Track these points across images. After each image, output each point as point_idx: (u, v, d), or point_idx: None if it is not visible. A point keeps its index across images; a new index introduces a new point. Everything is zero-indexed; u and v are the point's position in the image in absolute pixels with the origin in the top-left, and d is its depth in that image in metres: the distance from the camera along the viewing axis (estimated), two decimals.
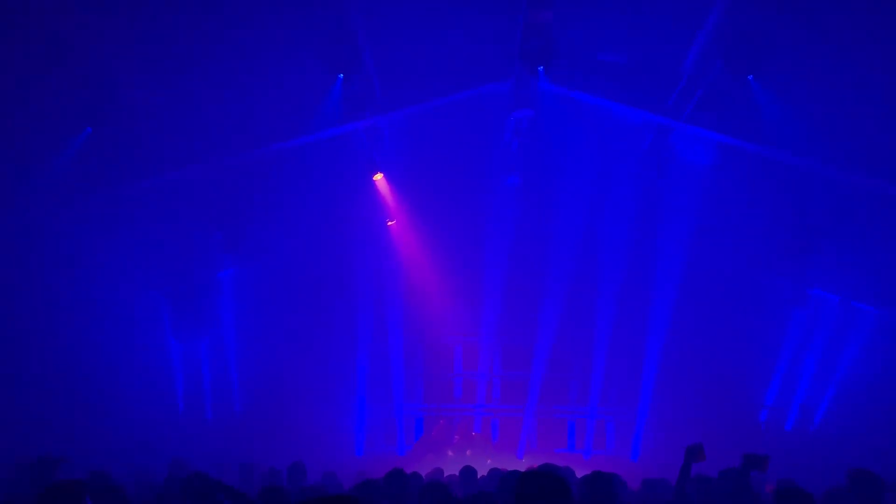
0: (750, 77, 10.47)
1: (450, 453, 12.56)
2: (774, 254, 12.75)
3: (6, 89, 9.57)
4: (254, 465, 8.71)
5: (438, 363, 14.64)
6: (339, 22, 10.02)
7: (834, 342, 12.98)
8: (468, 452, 12.88)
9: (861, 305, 12.90)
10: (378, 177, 12.80)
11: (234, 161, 11.58)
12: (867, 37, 9.30)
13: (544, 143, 12.22)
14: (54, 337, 11.29)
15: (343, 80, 10.80)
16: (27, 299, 10.93)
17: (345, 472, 8.77)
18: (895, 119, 10.15)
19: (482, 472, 7.82)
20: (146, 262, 12.29)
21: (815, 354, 13.12)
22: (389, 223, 13.48)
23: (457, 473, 7.48)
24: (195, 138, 11.03)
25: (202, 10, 9.42)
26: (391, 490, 5.81)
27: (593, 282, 13.21)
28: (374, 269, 13.54)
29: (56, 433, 9.82)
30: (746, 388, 13.25)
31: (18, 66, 9.59)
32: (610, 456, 13.90)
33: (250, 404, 13.48)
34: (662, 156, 11.99)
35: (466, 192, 13.00)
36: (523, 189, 12.98)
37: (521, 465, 11.12)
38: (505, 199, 13.04)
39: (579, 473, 6.87)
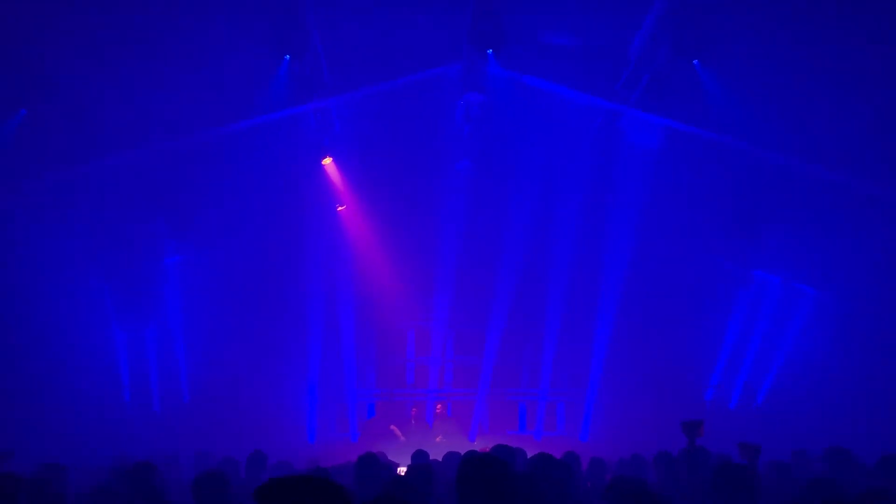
0: (696, 62, 10.64)
1: (402, 438, 12.52)
2: (720, 236, 13.03)
3: None
4: (209, 454, 8.57)
5: (391, 348, 14.58)
6: (285, 1, 9.82)
7: (776, 322, 13.34)
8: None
9: (801, 286, 13.29)
10: (327, 161, 12.64)
11: (178, 145, 11.30)
12: (812, 23, 9.52)
13: (495, 128, 12.21)
14: None
15: (290, 61, 10.60)
16: None
17: (298, 460, 8.67)
18: (837, 106, 10.45)
19: (434, 454, 7.83)
20: (87, 250, 11.93)
21: (759, 334, 13.45)
22: (339, 208, 13.33)
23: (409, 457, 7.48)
24: (136, 121, 10.74)
25: None
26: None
27: (544, 266, 13.29)
28: (325, 255, 13.35)
29: None
30: (693, 367, 13.52)
31: None
32: (560, 436, 14.07)
33: (199, 394, 13.19)
34: (611, 140, 12.13)
35: (417, 176, 12.92)
36: (475, 173, 12.96)
37: (474, 447, 11.17)
38: (456, 184, 13.00)
39: (530, 454, 6.94)
